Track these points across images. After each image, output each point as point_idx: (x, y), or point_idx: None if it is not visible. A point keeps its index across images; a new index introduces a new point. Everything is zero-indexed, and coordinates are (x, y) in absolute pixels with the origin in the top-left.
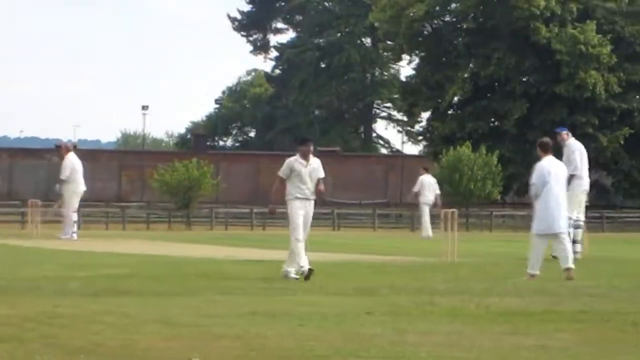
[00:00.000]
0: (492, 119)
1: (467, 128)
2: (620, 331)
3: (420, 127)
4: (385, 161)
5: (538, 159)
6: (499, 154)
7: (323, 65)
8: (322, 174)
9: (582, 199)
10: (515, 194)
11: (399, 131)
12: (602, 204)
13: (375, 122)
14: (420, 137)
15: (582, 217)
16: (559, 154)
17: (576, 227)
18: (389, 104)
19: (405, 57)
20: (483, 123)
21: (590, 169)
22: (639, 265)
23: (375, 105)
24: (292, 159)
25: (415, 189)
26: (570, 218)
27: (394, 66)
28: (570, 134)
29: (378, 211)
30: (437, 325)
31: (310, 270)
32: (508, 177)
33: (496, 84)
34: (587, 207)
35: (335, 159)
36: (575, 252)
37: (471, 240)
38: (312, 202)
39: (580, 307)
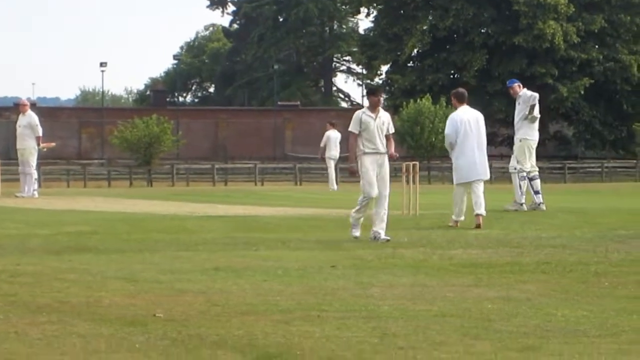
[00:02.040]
0: (452, 71)
1: (427, 80)
2: (582, 282)
3: (380, 80)
4: (345, 115)
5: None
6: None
7: (281, 19)
8: (392, 129)
9: (534, 147)
10: None
11: (358, 84)
12: (563, 155)
13: (335, 75)
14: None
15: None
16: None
17: (533, 178)
18: (348, 58)
19: (364, 9)
20: (443, 75)
21: (551, 120)
22: (601, 215)
23: (334, 59)
24: (360, 111)
25: (322, 144)
26: (524, 170)
27: (353, 19)
28: (521, 85)
29: (340, 165)
30: (400, 278)
31: (356, 238)
32: None
33: (455, 35)
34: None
35: (296, 114)
36: (540, 203)
37: (433, 192)
38: (385, 157)
39: (543, 258)
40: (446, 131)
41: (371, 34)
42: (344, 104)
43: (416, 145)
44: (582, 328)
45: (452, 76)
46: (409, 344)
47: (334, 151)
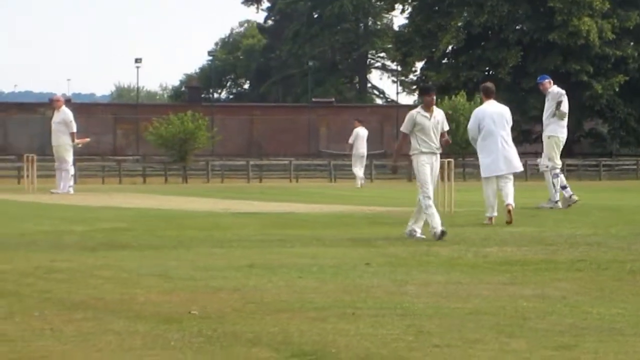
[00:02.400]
0: (487, 68)
1: (462, 77)
2: (617, 279)
3: (415, 76)
4: (380, 111)
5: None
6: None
7: (316, 16)
8: (447, 127)
9: (562, 144)
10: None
11: (393, 81)
12: (598, 152)
13: (370, 72)
14: (415, 87)
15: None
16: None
17: (557, 175)
18: (382, 54)
19: (398, 6)
20: (477, 72)
21: (585, 117)
22: (636, 213)
23: (369, 56)
24: (414, 111)
25: (351, 140)
26: (556, 167)
27: (387, 16)
28: (551, 82)
29: (375, 162)
30: (435, 276)
31: (442, 231)
32: None
33: (490, 32)
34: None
35: (331, 110)
36: (571, 196)
37: (468, 190)
38: (438, 156)
39: (578, 255)
40: (469, 125)
41: (406, 31)
42: (378, 101)
43: (452, 142)
44: (617, 326)
45: (486, 73)
46: (444, 342)
47: (362, 149)
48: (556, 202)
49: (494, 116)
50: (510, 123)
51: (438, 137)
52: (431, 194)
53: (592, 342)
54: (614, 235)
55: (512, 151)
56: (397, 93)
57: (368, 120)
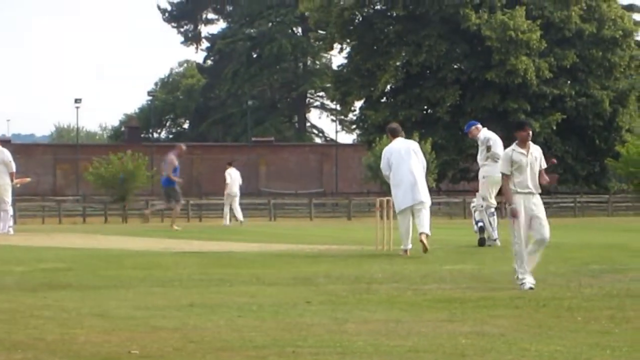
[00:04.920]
0: (425, 107)
1: (400, 116)
2: (555, 316)
3: (354, 115)
4: (319, 150)
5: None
6: (432, 141)
7: (255, 55)
8: (544, 164)
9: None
10: (450, 181)
11: (332, 120)
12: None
13: (309, 111)
14: (354, 126)
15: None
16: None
17: (493, 214)
18: (322, 93)
19: (337, 45)
20: (416, 111)
21: None
22: (574, 250)
23: (308, 95)
24: (509, 150)
25: (228, 181)
26: (491, 206)
27: (326, 55)
28: (479, 126)
29: (314, 200)
30: (375, 314)
31: (530, 287)
32: (442, 165)
33: (428, 71)
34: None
35: (270, 149)
36: (495, 239)
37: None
38: (538, 197)
39: (517, 293)
40: (380, 165)
41: (345, 70)
42: (317, 140)
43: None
44: None
45: (425, 112)
46: None
47: (234, 188)
48: (495, 239)
49: (401, 151)
50: (420, 156)
51: (536, 177)
52: (523, 238)
53: None
54: (552, 273)
55: (422, 183)
56: (336, 132)
57: (307, 158)
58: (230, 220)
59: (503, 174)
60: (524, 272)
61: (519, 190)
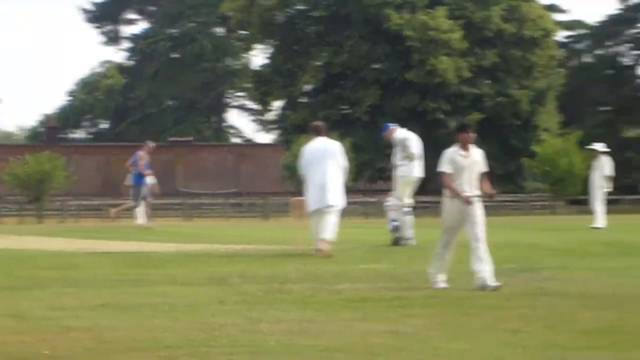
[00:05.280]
0: (345, 107)
1: (320, 116)
2: (468, 315)
3: (273, 115)
4: (237, 150)
5: None
6: (351, 141)
7: (175, 56)
8: (485, 168)
9: (414, 183)
10: (368, 180)
11: (251, 120)
12: None
13: (228, 111)
14: (273, 126)
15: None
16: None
17: (408, 213)
18: (241, 93)
19: (258, 46)
20: (335, 111)
21: (441, 154)
22: (489, 249)
23: (227, 95)
24: (450, 150)
25: (127, 182)
26: (406, 206)
27: (247, 55)
28: (395, 127)
29: (231, 200)
30: (288, 313)
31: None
32: (360, 164)
33: (348, 71)
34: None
35: (188, 149)
36: (409, 238)
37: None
38: (477, 199)
39: (430, 292)
40: (298, 163)
41: (265, 70)
42: (236, 140)
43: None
44: None
45: (344, 111)
46: None
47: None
48: (409, 239)
49: (318, 151)
50: (339, 157)
51: (475, 180)
52: (448, 243)
53: None
54: (466, 272)
55: (334, 185)
56: (256, 132)
57: (225, 158)
58: (144, 219)
59: (443, 172)
60: (436, 271)
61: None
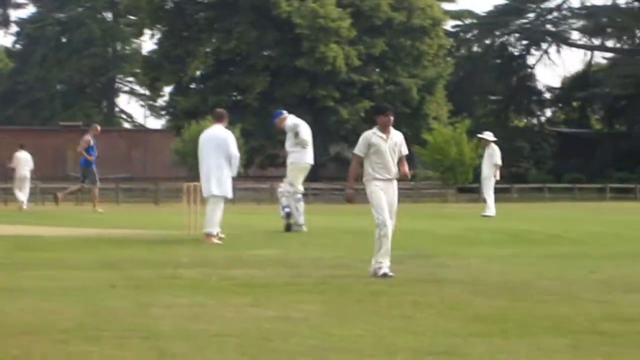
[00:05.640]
0: (234, 93)
1: (209, 102)
2: (359, 301)
3: (163, 101)
4: (128, 135)
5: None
6: (241, 127)
7: (64, 40)
8: (405, 150)
9: (306, 170)
10: (259, 167)
11: (141, 105)
12: (343, 176)
13: (118, 96)
14: (163, 112)
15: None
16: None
17: (299, 199)
18: (131, 79)
19: (147, 31)
20: (225, 97)
21: (331, 142)
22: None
23: (117, 80)
24: (369, 132)
25: (12, 165)
26: (298, 192)
27: (136, 41)
28: (285, 114)
29: (122, 185)
30: (180, 298)
31: (385, 274)
32: (250, 151)
33: (238, 58)
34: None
35: (78, 134)
36: (301, 225)
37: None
38: (395, 183)
39: (322, 278)
40: None
41: (154, 56)
42: (126, 125)
43: (198, 166)
44: (358, 347)
45: (234, 98)
46: None
47: (23, 171)
48: (301, 225)
49: (208, 141)
50: (227, 146)
51: (395, 162)
52: (388, 220)
53: None
54: (357, 258)
55: (219, 175)
56: (145, 117)
57: (116, 143)
58: (25, 202)
59: (354, 154)
60: (381, 256)
61: (377, 175)
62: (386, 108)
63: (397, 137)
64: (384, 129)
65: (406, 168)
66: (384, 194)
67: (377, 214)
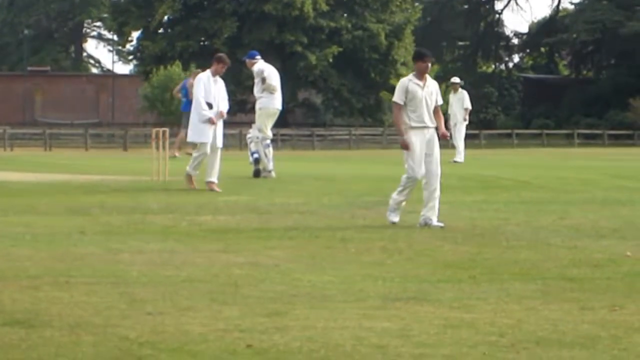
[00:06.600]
0: (203, 38)
1: (178, 47)
2: (328, 247)
3: (131, 46)
4: (96, 81)
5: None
6: None
7: None
8: (440, 100)
9: (275, 115)
10: (227, 113)
11: (109, 50)
12: (312, 122)
13: (86, 41)
14: (131, 57)
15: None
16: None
17: (268, 145)
18: (99, 23)
19: None
20: (193, 42)
21: (299, 88)
22: (348, 182)
23: (85, 25)
24: (405, 79)
25: None
26: (267, 138)
27: None
28: (258, 58)
29: (90, 131)
30: (149, 244)
31: (426, 223)
32: None
33: (206, 2)
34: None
35: (46, 79)
36: (270, 170)
37: (183, 159)
38: (434, 131)
39: (291, 224)
40: None
41: (122, 0)
42: (94, 70)
43: (166, 112)
44: (328, 293)
45: (202, 43)
46: (157, 309)
47: None
48: (270, 171)
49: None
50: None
51: (431, 111)
52: (420, 175)
53: (303, 309)
54: (326, 205)
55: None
56: (113, 62)
57: (84, 89)
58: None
59: (395, 103)
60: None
61: (413, 124)
62: (424, 54)
63: (432, 85)
64: (421, 76)
65: (443, 127)
66: (419, 144)
67: (411, 166)
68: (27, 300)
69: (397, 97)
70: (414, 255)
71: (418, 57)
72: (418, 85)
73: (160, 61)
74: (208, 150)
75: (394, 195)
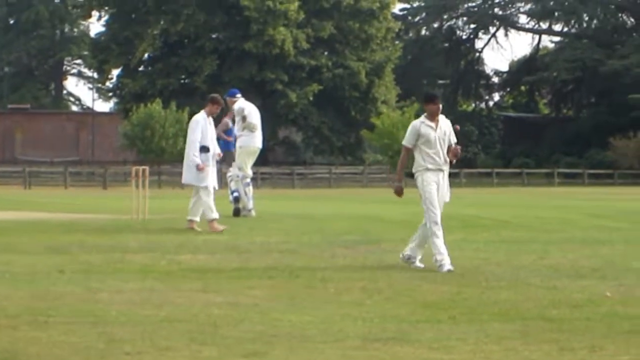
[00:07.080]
0: (183, 76)
1: (158, 85)
2: (308, 287)
3: (111, 84)
4: (76, 118)
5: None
6: (190, 110)
7: (12, 22)
8: (454, 139)
9: (255, 154)
10: None
11: (89, 88)
12: (292, 160)
13: (66, 79)
14: (111, 94)
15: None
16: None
17: (248, 184)
18: (79, 61)
19: (95, 13)
20: (174, 80)
21: (280, 125)
22: (328, 221)
23: (65, 62)
24: (417, 122)
25: None
26: (247, 177)
27: (84, 22)
28: (239, 96)
29: (70, 169)
30: (128, 283)
31: (449, 270)
32: None
33: (186, 40)
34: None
35: (26, 117)
36: (250, 209)
37: (163, 197)
38: (446, 173)
39: (271, 263)
40: None
41: (102, 38)
42: (74, 108)
43: (146, 150)
44: (307, 333)
45: (182, 81)
46: (136, 349)
47: None
48: (250, 210)
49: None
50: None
51: (445, 151)
52: (439, 218)
53: (283, 349)
54: (306, 243)
55: (186, 163)
56: (93, 100)
57: (64, 126)
58: None
59: (404, 146)
60: (441, 253)
61: (429, 166)
62: (435, 96)
63: (445, 125)
64: (433, 118)
65: (456, 147)
66: (436, 187)
67: (430, 211)
68: (5, 340)
69: (407, 140)
70: (394, 295)
71: (429, 99)
72: (430, 127)
73: (141, 99)
74: (211, 189)
75: (413, 241)
